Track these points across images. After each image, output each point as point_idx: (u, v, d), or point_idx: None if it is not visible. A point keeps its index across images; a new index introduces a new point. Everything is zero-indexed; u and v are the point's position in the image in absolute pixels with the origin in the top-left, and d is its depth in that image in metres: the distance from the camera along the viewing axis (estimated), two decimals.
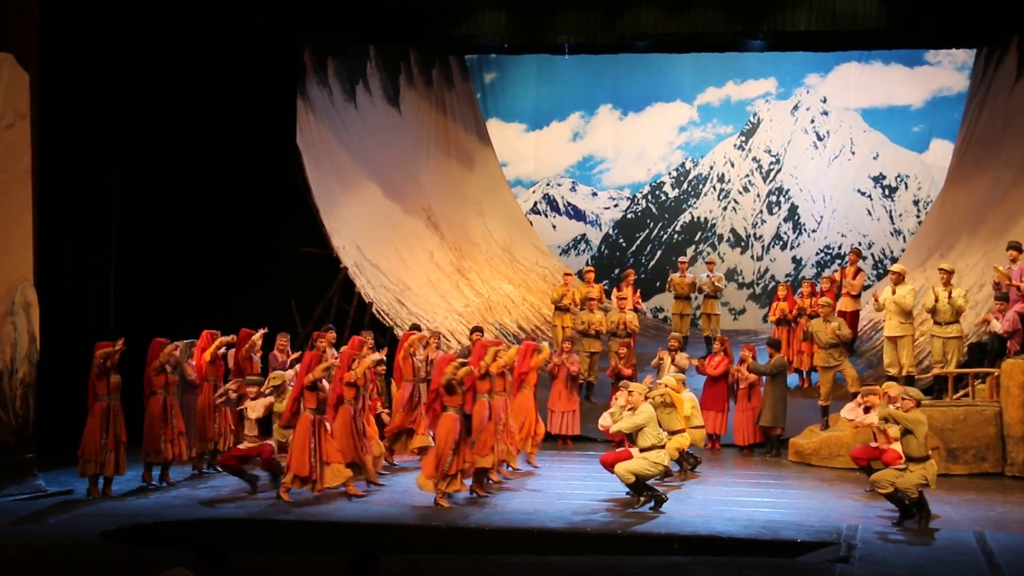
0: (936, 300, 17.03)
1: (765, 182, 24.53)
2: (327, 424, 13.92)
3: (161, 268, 19.06)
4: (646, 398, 13.67)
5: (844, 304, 19.03)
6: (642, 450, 13.25)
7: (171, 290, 18.95)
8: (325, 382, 14.00)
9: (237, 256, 19.95)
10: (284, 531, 12.43)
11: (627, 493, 13.54)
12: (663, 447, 13.44)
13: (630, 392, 13.59)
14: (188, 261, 19.41)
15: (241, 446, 14.34)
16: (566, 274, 20.98)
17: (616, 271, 21.55)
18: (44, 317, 15.19)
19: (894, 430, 13.14)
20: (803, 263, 24.03)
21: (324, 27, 21.14)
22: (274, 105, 20.55)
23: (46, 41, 15.92)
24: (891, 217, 23.87)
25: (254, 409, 14.29)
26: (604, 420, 14.22)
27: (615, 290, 20.52)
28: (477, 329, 17.62)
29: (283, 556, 11.62)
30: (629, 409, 13.46)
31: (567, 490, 14.36)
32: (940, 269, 17.40)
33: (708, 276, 21.30)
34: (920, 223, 23.37)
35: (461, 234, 23.81)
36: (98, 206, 18.00)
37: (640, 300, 20.44)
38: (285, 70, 20.91)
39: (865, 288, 19.86)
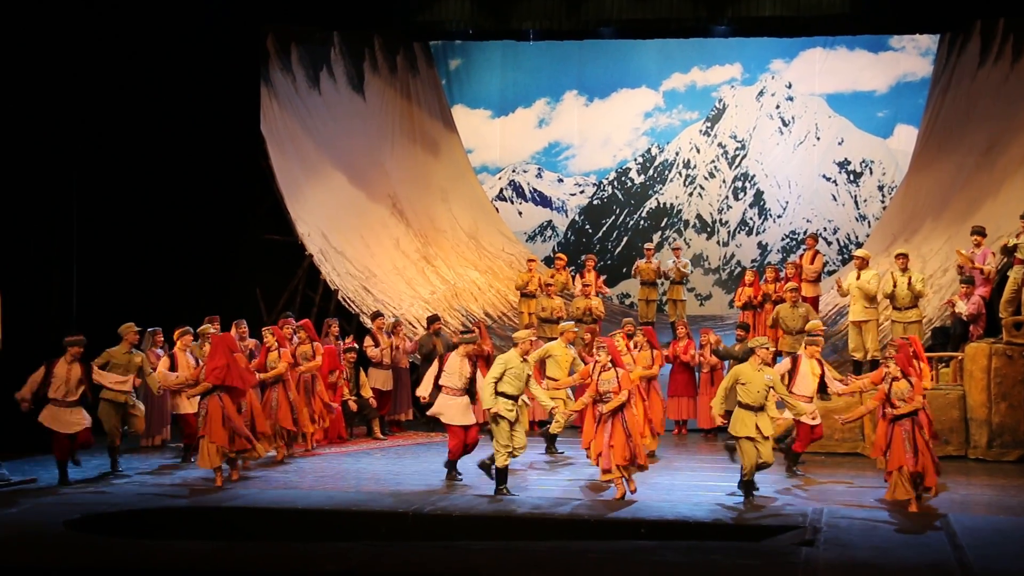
0: (895, 285, 17.20)
1: (731, 168, 24.57)
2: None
3: (125, 257, 18.88)
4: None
5: (804, 289, 19.07)
6: None
7: (135, 279, 18.78)
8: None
9: (202, 244, 19.79)
10: (249, 518, 12.35)
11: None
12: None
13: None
14: (152, 250, 19.25)
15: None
16: (530, 260, 20.97)
17: (581, 258, 21.53)
18: (6, 307, 15.03)
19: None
20: (769, 248, 24.08)
21: (287, 13, 21.05)
22: (238, 92, 20.41)
23: (2, 29, 15.73)
24: (856, 202, 23.95)
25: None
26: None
27: (578, 276, 20.53)
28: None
29: (249, 544, 11.55)
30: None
31: (534, 475, 14.35)
32: (897, 255, 17.56)
33: (674, 262, 21.32)
34: (885, 208, 23.48)
35: (427, 221, 23.75)
36: (60, 195, 17.78)
37: (603, 285, 20.47)
38: (248, 57, 20.79)
39: (829, 273, 19.90)
